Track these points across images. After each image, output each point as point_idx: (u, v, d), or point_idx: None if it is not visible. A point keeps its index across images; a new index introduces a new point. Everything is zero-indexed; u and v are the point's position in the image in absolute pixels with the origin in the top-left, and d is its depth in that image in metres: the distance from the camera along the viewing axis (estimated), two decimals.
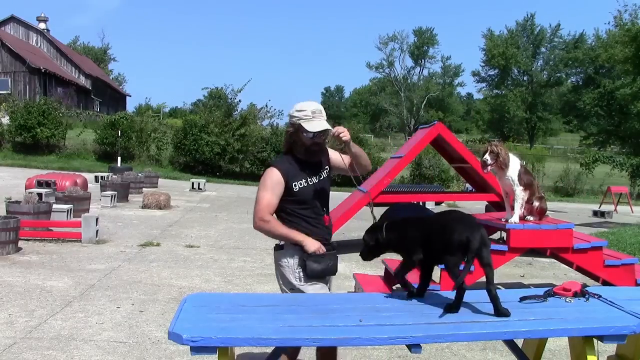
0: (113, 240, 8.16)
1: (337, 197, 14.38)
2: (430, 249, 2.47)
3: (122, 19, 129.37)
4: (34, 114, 22.96)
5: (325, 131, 2.79)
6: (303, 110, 2.76)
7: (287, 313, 2.33)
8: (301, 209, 2.81)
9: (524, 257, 7.41)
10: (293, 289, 2.81)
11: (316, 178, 2.86)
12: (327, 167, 2.94)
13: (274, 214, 2.81)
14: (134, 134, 23.81)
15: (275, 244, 2.90)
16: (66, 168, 19.79)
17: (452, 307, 2.35)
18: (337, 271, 2.86)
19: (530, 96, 52.97)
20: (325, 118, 2.81)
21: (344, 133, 2.78)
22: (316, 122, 2.76)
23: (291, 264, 2.80)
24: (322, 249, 2.75)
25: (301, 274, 2.78)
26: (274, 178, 2.78)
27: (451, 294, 2.72)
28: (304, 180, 2.81)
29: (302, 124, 2.75)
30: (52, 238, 7.92)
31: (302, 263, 2.75)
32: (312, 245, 2.73)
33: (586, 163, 19.74)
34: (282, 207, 2.80)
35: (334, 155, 3.01)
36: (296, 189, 2.78)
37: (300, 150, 2.83)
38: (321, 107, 2.82)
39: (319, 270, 2.75)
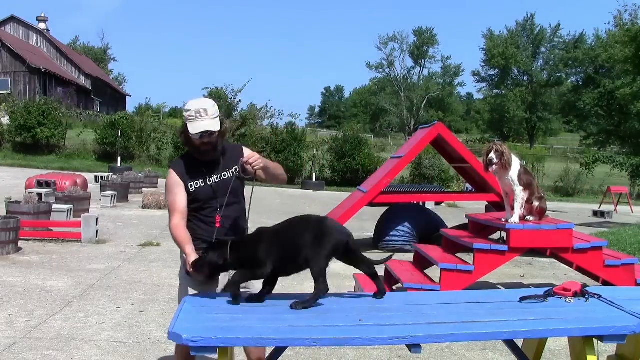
0: (113, 240, 8.16)
1: (337, 197, 14.29)
2: (289, 259, 2.46)
3: (122, 19, 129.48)
4: (34, 114, 22.96)
5: (212, 132, 2.64)
6: (188, 110, 2.66)
7: (287, 313, 2.33)
8: (198, 209, 2.75)
9: (524, 257, 7.41)
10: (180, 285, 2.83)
11: (217, 177, 2.75)
12: (236, 166, 2.76)
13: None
14: (134, 134, 23.81)
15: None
16: (66, 168, 19.78)
17: (300, 304, 2.35)
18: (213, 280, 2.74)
19: (530, 96, 52.96)
20: (214, 116, 2.65)
21: (256, 162, 2.66)
22: (198, 123, 2.62)
23: (181, 266, 2.85)
24: (193, 273, 2.59)
25: (185, 276, 2.78)
26: (172, 180, 2.74)
27: (452, 294, 2.72)
28: (201, 181, 2.73)
29: (187, 124, 2.65)
30: (52, 238, 7.92)
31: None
32: (190, 264, 2.59)
33: (586, 163, 19.71)
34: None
35: (251, 156, 2.81)
36: (192, 189, 2.72)
37: (193, 150, 2.73)
38: (209, 106, 2.66)
39: (193, 283, 2.73)
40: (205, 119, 2.64)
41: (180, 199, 2.72)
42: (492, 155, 4.85)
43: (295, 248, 2.43)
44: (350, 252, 2.46)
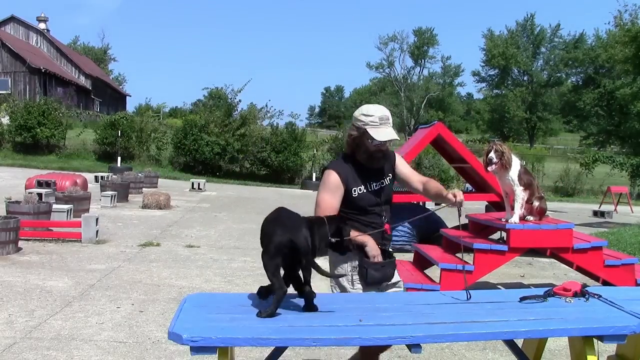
0: (113, 240, 8.16)
1: None
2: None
3: (122, 19, 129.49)
4: (34, 114, 22.96)
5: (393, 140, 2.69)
6: (371, 116, 2.64)
7: (287, 313, 2.33)
8: (361, 215, 2.73)
9: (524, 257, 7.41)
10: (344, 291, 2.76)
11: (377, 184, 2.75)
12: (390, 174, 2.82)
13: None
14: (134, 134, 23.81)
15: None
16: (66, 168, 19.78)
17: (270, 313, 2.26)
18: (392, 278, 2.77)
19: (530, 96, 52.99)
20: (392, 125, 2.71)
21: (459, 198, 2.65)
22: (384, 130, 2.64)
23: (345, 267, 2.74)
24: (380, 258, 2.66)
25: (354, 277, 2.72)
26: (332, 181, 2.70)
27: (452, 294, 2.71)
28: (362, 186, 2.71)
29: (368, 130, 2.63)
30: (52, 238, 7.92)
31: (362, 270, 2.68)
32: (374, 249, 2.64)
33: (586, 163, 19.72)
34: (342, 212, 2.72)
35: (404, 168, 2.89)
36: (355, 194, 2.70)
37: (362, 156, 2.71)
38: (389, 114, 2.71)
39: (378, 278, 2.69)
40: (388, 127, 2.67)
41: (337, 201, 2.70)
42: (492, 154, 4.85)
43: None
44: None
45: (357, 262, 2.71)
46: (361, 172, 2.73)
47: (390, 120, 2.71)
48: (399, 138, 2.74)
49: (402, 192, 9.62)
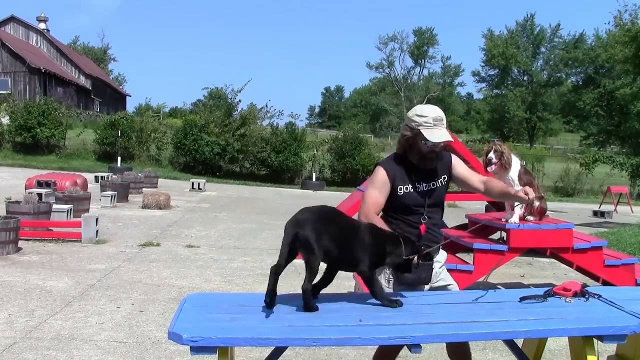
0: (113, 240, 8.16)
1: (337, 197, 14.33)
2: None
3: (122, 19, 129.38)
4: (34, 114, 22.95)
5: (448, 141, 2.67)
6: (425, 117, 2.64)
7: (287, 313, 2.33)
8: (403, 214, 2.73)
9: (524, 257, 7.41)
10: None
11: (426, 185, 2.74)
12: (444, 175, 2.80)
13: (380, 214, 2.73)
14: (134, 134, 23.80)
15: None
16: (66, 168, 19.78)
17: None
18: (430, 280, 2.73)
19: (530, 96, 52.97)
20: (446, 126, 2.70)
21: (532, 195, 2.63)
22: (437, 132, 2.63)
23: (384, 268, 2.72)
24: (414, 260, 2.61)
25: (391, 276, 2.72)
26: (380, 178, 2.71)
27: (452, 294, 2.71)
28: (410, 186, 2.71)
29: (422, 130, 2.62)
30: (52, 238, 7.92)
31: (395, 269, 2.66)
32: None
33: (586, 163, 19.73)
34: (388, 209, 2.74)
35: (461, 169, 2.85)
36: (400, 192, 2.70)
37: (414, 156, 2.71)
38: (443, 115, 2.69)
39: (411, 279, 2.66)
40: (442, 128, 2.66)
41: (383, 198, 2.71)
42: (492, 155, 4.85)
43: None
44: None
45: None
46: (411, 172, 2.73)
47: (445, 122, 2.69)
48: (452, 139, 2.73)
49: None
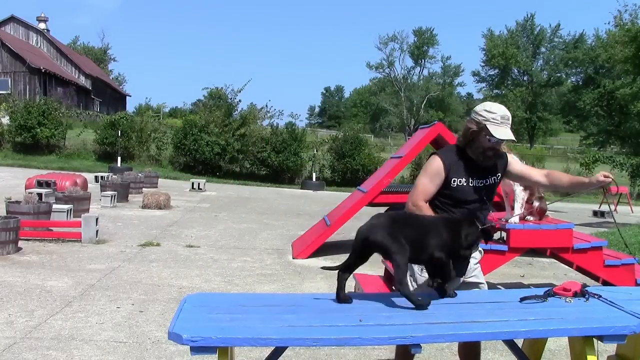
0: (113, 240, 8.16)
1: (337, 197, 14.32)
2: None
3: (122, 19, 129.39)
4: (34, 114, 22.96)
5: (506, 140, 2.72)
6: (493, 113, 2.69)
7: (287, 313, 2.33)
8: (453, 206, 2.74)
9: (524, 257, 7.41)
10: (412, 275, 2.77)
11: (480, 181, 2.77)
12: (499, 174, 2.84)
13: (428, 202, 2.75)
14: (134, 134, 23.81)
15: None
16: (66, 168, 19.78)
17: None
18: (464, 274, 2.72)
19: (530, 96, 52.97)
20: (510, 126, 2.75)
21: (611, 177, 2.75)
22: (503, 129, 2.68)
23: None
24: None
25: (419, 274, 2.74)
26: (435, 167, 2.73)
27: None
28: (464, 179, 2.73)
29: (487, 126, 2.67)
30: (52, 238, 7.92)
31: None
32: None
33: (586, 163, 19.74)
34: (437, 197, 2.75)
35: (517, 166, 2.92)
36: (454, 185, 2.71)
37: (475, 151, 2.74)
38: (510, 115, 2.75)
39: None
40: (508, 127, 2.70)
41: (435, 187, 2.72)
42: None
43: None
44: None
45: None
46: (467, 166, 2.75)
47: (510, 122, 2.74)
48: (515, 140, 2.78)
49: (402, 192, 9.63)
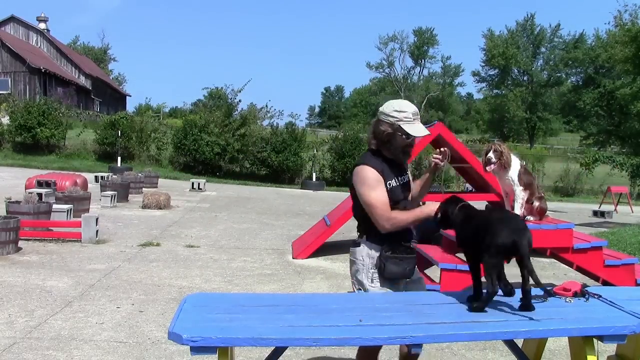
0: (113, 240, 8.16)
1: (337, 197, 14.32)
2: (475, 247, 2.45)
3: (122, 19, 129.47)
4: (34, 114, 22.96)
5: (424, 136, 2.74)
6: (404, 112, 2.68)
7: (287, 313, 2.33)
8: (393, 208, 2.73)
9: None
10: (361, 289, 2.74)
11: (402, 178, 2.80)
12: (408, 170, 2.91)
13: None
14: (134, 134, 23.81)
15: (353, 241, 2.83)
16: (66, 168, 19.78)
17: (478, 307, 2.36)
18: (413, 274, 2.77)
19: (530, 96, 52.96)
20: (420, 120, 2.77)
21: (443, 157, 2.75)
22: (417, 126, 2.69)
23: (367, 263, 2.73)
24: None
25: (375, 275, 2.71)
26: (373, 176, 2.70)
27: (452, 294, 2.71)
28: (393, 180, 2.74)
29: (402, 125, 2.66)
30: (52, 238, 7.92)
31: (380, 264, 2.67)
32: (433, 212, 2.64)
33: (586, 163, 19.71)
34: None
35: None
36: (389, 187, 2.72)
37: (393, 151, 2.74)
38: (417, 109, 2.77)
39: (397, 272, 2.67)
40: (419, 123, 2.72)
41: (385, 195, 2.70)
42: (491, 154, 4.84)
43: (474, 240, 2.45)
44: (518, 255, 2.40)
45: (377, 256, 2.70)
46: (391, 167, 2.76)
47: (419, 116, 2.76)
48: (430, 133, 2.79)
49: None
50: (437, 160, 2.78)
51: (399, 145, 2.71)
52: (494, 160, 4.83)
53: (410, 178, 2.92)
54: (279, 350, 2.34)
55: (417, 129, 2.68)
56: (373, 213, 2.66)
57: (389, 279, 2.69)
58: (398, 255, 2.67)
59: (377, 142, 2.78)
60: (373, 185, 2.67)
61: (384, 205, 2.65)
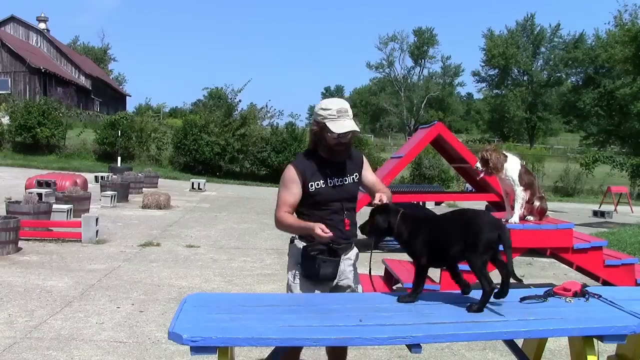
0: (113, 240, 8.16)
1: None
2: (447, 251, 2.45)
3: (122, 19, 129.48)
4: (34, 114, 22.97)
5: (351, 132, 2.67)
6: (329, 109, 2.65)
7: (287, 313, 2.32)
8: (318, 211, 2.70)
9: (524, 257, 7.41)
10: (287, 285, 2.77)
11: (339, 180, 2.73)
12: (356, 173, 2.81)
13: (294, 213, 2.74)
14: (134, 134, 23.82)
15: (291, 237, 2.84)
16: (66, 168, 19.79)
17: (478, 308, 2.36)
18: (335, 278, 2.72)
19: (530, 96, 52.96)
20: (352, 117, 2.71)
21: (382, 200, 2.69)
22: (341, 123, 2.64)
23: (294, 260, 2.76)
24: (325, 238, 2.56)
25: (297, 273, 2.73)
26: (288, 176, 2.71)
27: (452, 294, 2.71)
28: (322, 181, 2.70)
29: (326, 123, 2.64)
30: (52, 238, 7.92)
31: (302, 263, 2.69)
32: (319, 233, 2.55)
33: (586, 163, 19.71)
34: (301, 206, 2.73)
35: (368, 174, 2.89)
36: (312, 189, 2.68)
37: (324, 150, 2.72)
38: (347, 106, 2.71)
39: (315, 273, 2.65)
40: (347, 119, 2.67)
41: (292, 195, 2.69)
42: (478, 164, 4.98)
43: (448, 242, 2.45)
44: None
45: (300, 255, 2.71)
46: (323, 168, 2.72)
47: (350, 113, 2.70)
48: (359, 129, 2.73)
49: (402, 192, 9.63)
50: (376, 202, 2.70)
51: (327, 143, 2.68)
52: (481, 169, 4.96)
53: (366, 179, 2.86)
54: (279, 350, 2.34)
55: (340, 126, 2.62)
56: (275, 209, 2.74)
57: (308, 279, 2.68)
58: (320, 256, 2.64)
59: (310, 142, 2.78)
60: (284, 183, 2.72)
61: (283, 204, 2.70)
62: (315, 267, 2.64)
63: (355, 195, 2.83)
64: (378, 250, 7.92)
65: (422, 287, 2.55)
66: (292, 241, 2.81)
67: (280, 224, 2.73)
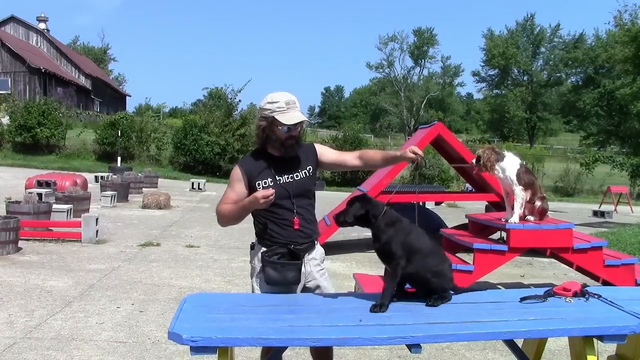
0: (113, 240, 8.16)
1: (337, 197, 14.42)
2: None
3: (123, 19, 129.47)
4: (34, 114, 22.97)
5: (300, 123, 2.59)
6: (276, 102, 2.58)
7: (287, 313, 2.33)
8: (270, 210, 2.61)
9: (524, 257, 7.41)
10: (252, 292, 2.71)
11: (289, 177, 2.65)
12: (309, 166, 2.72)
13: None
14: (134, 134, 23.83)
15: (251, 243, 2.78)
16: (66, 168, 19.79)
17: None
18: (299, 281, 2.63)
19: (530, 96, 52.93)
20: (299, 109, 2.63)
21: (420, 152, 2.66)
22: (291, 114, 2.56)
23: (256, 266, 2.68)
24: (268, 199, 2.46)
25: (259, 279, 2.65)
26: (233, 176, 2.67)
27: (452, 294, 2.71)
28: (270, 179, 2.63)
29: (275, 116, 2.56)
30: (52, 238, 7.92)
31: (263, 268, 2.60)
32: (259, 198, 2.45)
33: (586, 163, 19.73)
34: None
35: (329, 153, 2.80)
36: (259, 188, 2.60)
37: (274, 146, 2.63)
38: (295, 98, 2.63)
39: (276, 278, 2.57)
40: (295, 110, 2.59)
41: (235, 192, 2.64)
42: (473, 161, 5.15)
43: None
44: None
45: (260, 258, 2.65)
46: (271, 166, 2.65)
47: (298, 105, 2.62)
48: (308, 119, 2.67)
49: (402, 192, 9.64)
50: (416, 158, 2.66)
51: (278, 137, 2.61)
52: (474, 165, 5.16)
53: (329, 157, 2.78)
54: (279, 350, 2.34)
55: (290, 117, 2.55)
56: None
57: (271, 284, 2.59)
58: (279, 260, 2.57)
59: (258, 140, 2.71)
60: (229, 182, 2.70)
61: (224, 200, 2.65)
62: (275, 272, 2.56)
63: (309, 190, 2.73)
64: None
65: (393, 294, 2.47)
66: (252, 247, 2.75)
67: (220, 215, 2.66)
